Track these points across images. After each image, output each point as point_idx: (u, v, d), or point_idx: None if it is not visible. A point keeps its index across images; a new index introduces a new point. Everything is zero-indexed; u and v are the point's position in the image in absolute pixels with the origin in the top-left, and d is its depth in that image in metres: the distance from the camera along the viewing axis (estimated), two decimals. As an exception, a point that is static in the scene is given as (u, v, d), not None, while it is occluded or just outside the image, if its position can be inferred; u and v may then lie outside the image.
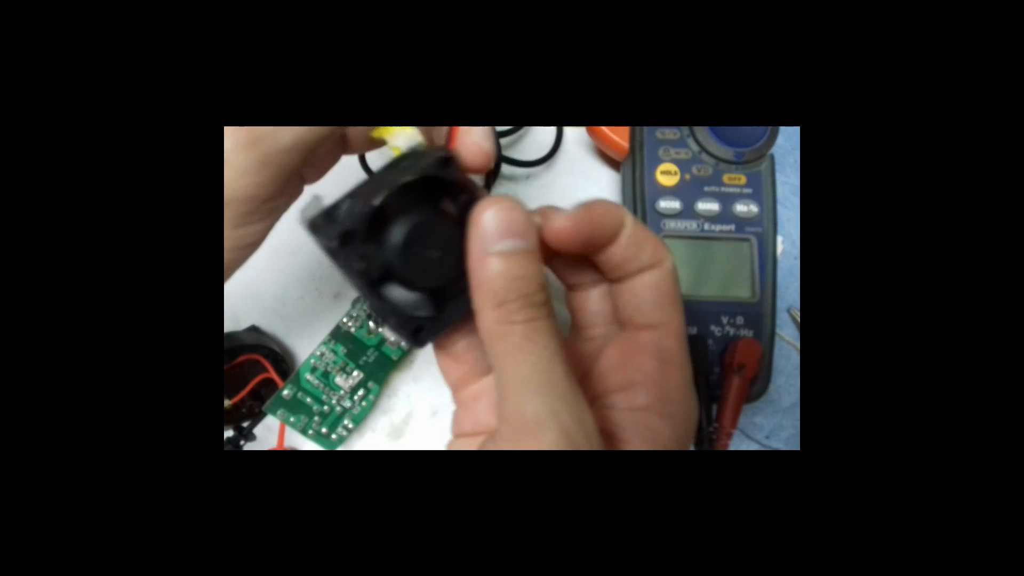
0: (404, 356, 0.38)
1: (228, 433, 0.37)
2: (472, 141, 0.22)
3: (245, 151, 0.20)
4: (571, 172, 0.42)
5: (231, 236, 0.22)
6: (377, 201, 0.20)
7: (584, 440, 0.18)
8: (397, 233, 0.21)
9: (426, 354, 0.39)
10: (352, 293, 0.38)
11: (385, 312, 0.21)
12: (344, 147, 0.27)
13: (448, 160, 0.21)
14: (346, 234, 0.20)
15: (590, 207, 0.21)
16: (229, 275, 0.24)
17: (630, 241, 0.22)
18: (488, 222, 0.19)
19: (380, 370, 0.38)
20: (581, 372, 0.24)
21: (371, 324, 0.37)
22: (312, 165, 0.26)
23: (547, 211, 0.21)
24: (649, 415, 0.21)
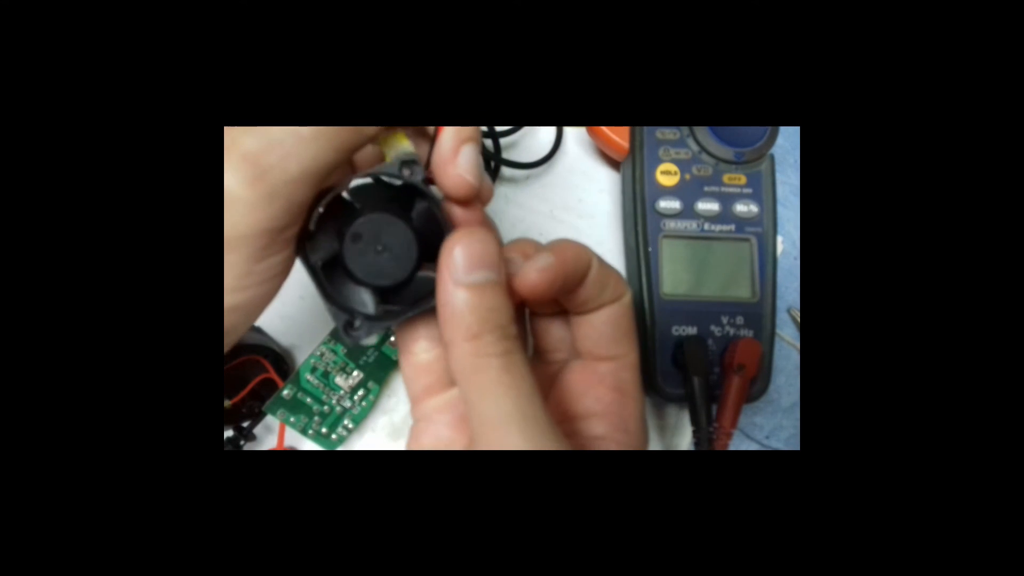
0: (404, 356, 0.38)
1: (228, 433, 0.37)
2: (456, 172, 0.22)
3: (251, 186, 0.19)
4: (571, 172, 0.42)
5: (255, 271, 0.21)
6: (329, 196, 0.22)
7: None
8: (350, 229, 0.22)
9: (426, 354, 0.39)
10: (352, 293, 0.38)
11: (326, 299, 0.23)
12: (352, 169, 0.26)
13: (409, 164, 0.22)
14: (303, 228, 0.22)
15: (561, 253, 0.21)
16: (263, 309, 0.24)
17: (594, 282, 0.22)
18: (458, 255, 0.19)
19: (380, 370, 0.38)
20: (542, 394, 0.23)
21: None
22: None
23: (518, 250, 0.22)
24: (606, 443, 0.22)
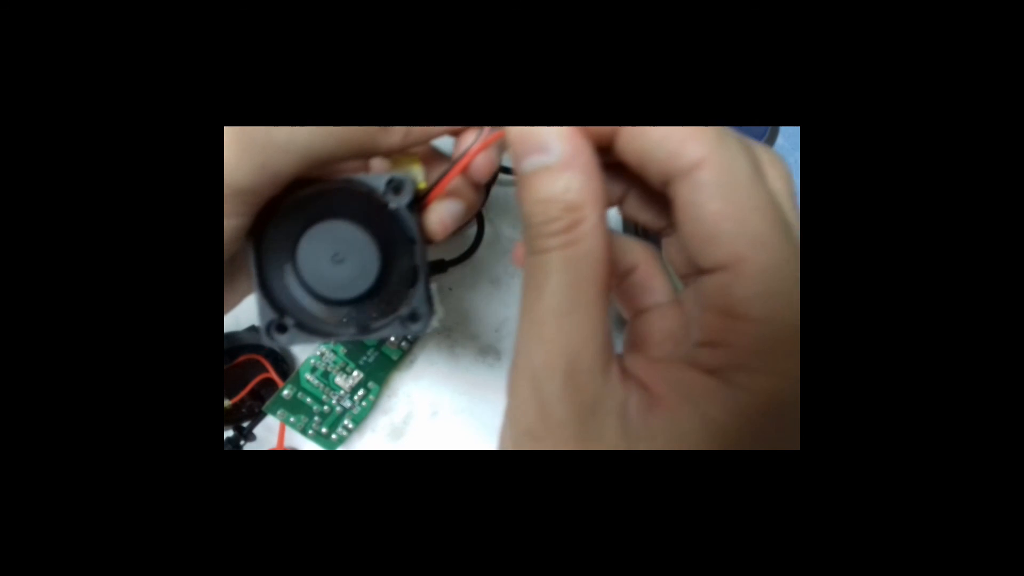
0: (404, 356, 0.38)
1: (228, 433, 0.37)
2: (437, 218, 0.21)
3: (244, 150, 0.19)
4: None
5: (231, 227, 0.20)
6: (296, 193, 0.21)
7: (557, 391, 0.17)
8: (315, 227, 0.21)
9: (426, 354, 0.39)
10: (352, 293, 0.38)
11: (261, 289, 0.21)
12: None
13: (397, 185, 0.21)
14: (262, 215, 0.21)
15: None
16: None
17: (628, 134, 0.18)
18: (514, 138, 0.17)
19: (380, 370, 0.38)
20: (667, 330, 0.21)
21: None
22: None
23: None
24: (706, 380, 0.17)
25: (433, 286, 0.23)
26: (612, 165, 0.19)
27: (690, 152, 0.16)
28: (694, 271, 0.19)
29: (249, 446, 0.37)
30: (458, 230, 0.23)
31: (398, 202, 0.21)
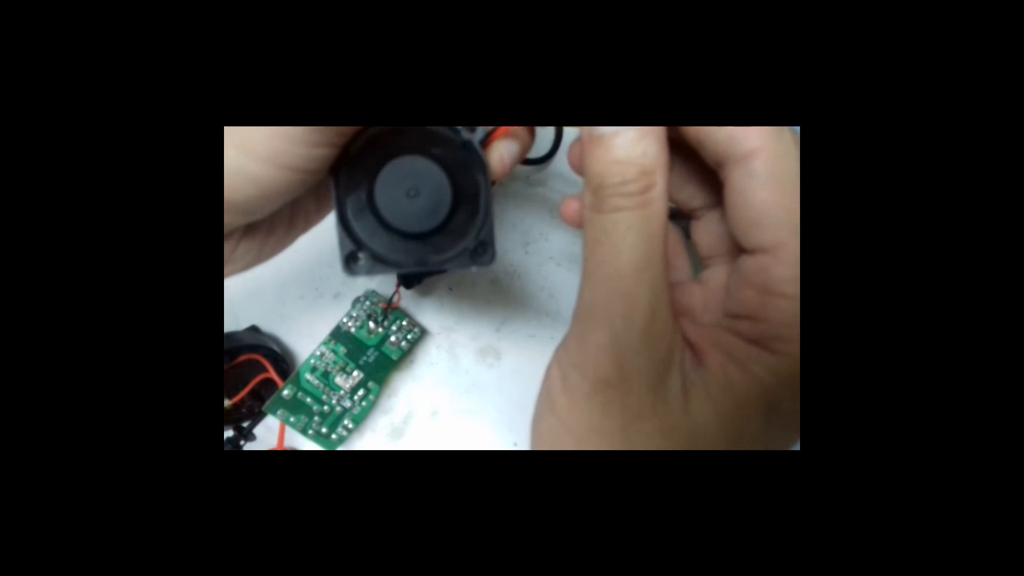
0: (404, 356, 0.38)
1: (228, 433, 0.37)
2: (498, 156, 0.23)
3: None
4: (571, 171, 0.42)
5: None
6: (375, 132, 0.21)
7: (636, 342, 0.18)
8: (389, 164, 0.22)
9: (426, 354, 0.39)
10: (352, 293, 0.38)
11: (341, 223, 0.22)
12: None
13: (473, 128, 0.22)
14: (342, 153, 0.22)
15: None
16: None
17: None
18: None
19: (380, 370, 0.38)
20: (703, 301, 0.22)
21: (371, 324, 0.37)
22: None
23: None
24: (747, 345, 0.19)
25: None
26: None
27: (749, 140, 0.18)
28: (726, 251, 0.21)
29: (249, 446, 0.37)
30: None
31: (474, 137, 0.22)
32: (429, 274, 0.25)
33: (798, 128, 0.19)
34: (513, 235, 0.41)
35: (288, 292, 0.40)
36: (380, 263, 0.23)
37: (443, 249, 0.23)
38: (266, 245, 0.26)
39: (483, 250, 0.23)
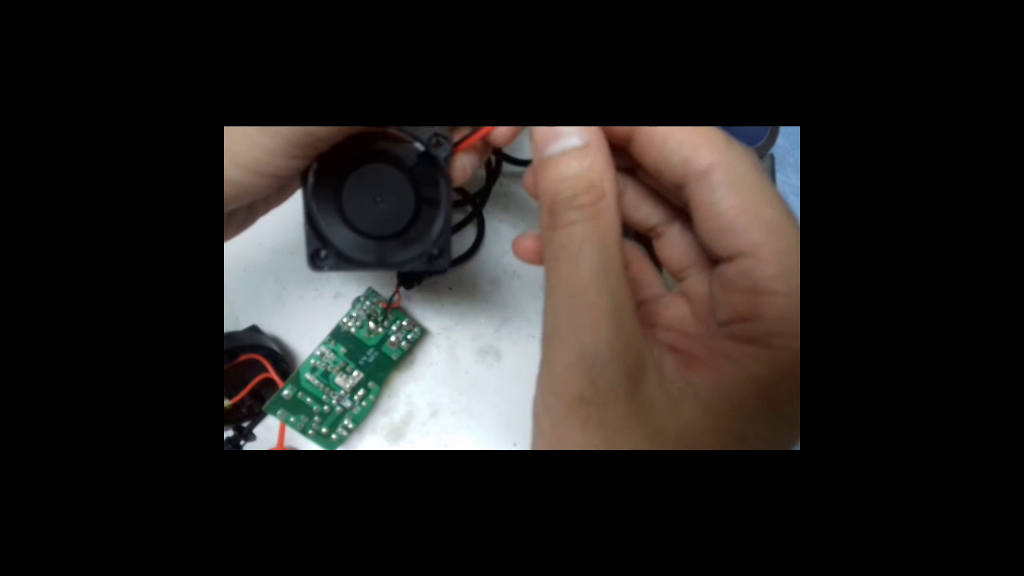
0: (404, 356, 0.38)
1: (228, 433, 0.37)
2: (461, 166, 0.25)
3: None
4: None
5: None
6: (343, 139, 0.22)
7: (604, 353, 0.18)
8: (359, 169, 0.24)
9: (426, 354, 0.39)
10: (352, 293, 0.38)
11: (309, 222, 0.24)
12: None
13: (441, 138, 0.24)
14: (317, 156, 0.23)
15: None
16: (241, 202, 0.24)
17: (648, 139, 0.19)
18: (538, 132, 0.19)
19: (380, 370, 0.38)
20: (680, 315, 0.23)
21: (371, 324, 0.37)
22: None
23: None
24: (743, 345, 0.19)
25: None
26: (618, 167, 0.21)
27: (703, 157, 0.19)
28: (695, 262, 0.22)
29: (249, 446, 0.37)
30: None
31: (439, 153, 0.24)
32: (427, 274, 0.26)
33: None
34: (512, 235, 0.41)
35: (288, 292, 0.40)
36: (344, 261, 0.25)
37: (403, 251, 0.25)
38: (226, 231, 0.28)
39: (439, 255, 0.25)
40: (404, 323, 0.38)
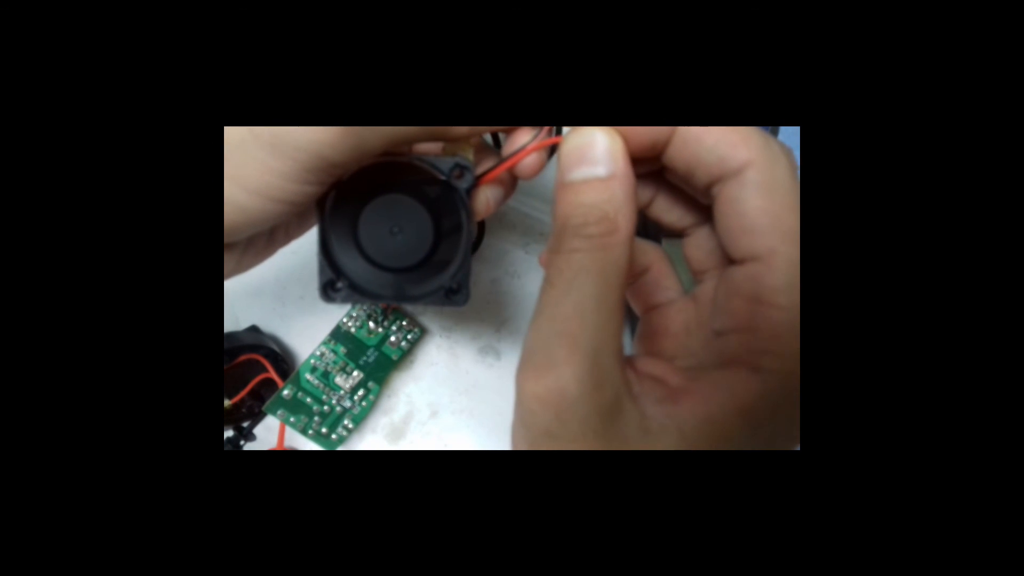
0: (404, 356, 0.38)
1: (228, 433, 0.37)
2: (484, 199, 0.24)
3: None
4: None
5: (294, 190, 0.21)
6: (357, 167, 0.22)
7: (574, 389, 0.17)
8: (376, 199, 0.23)
9: (426, 354, 0.39)
10: (352, 293, 0.38)
11: (323, 251, 0.23)
12: (410, 150, 0.26)
13: (463, 169, 0.23)
14: (333, 187, 0.22)
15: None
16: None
17: (682, 139, 0.19)
18: (565, 154, 0.19)
19: (380, 370, 0.38)
20: (687, 325, 0.23)
21: (371, 324, 0.37)
22: None
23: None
24: (735, 370, 0.19)
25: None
26: (644, 173, 0.21)
27: (740, 155, 0.18)
28: (716, 265, 0.22)
29: (249, 446, 0.37)
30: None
31: (460, 184, 0.23)
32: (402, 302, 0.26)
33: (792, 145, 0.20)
34: (513, 235, 0.41)
35: (288, 292, 0.40)
36: (357, 293, 0.24)
37: (420, 285, 0.24)
38: (244, 258, 0.27)
39: (458, 290, 0.24)
40: (404, 323, 0.38)
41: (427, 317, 0.39)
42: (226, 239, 0.23)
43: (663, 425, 0.18)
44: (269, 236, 0.28)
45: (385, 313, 0.37)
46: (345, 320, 0.37)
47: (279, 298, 0.40)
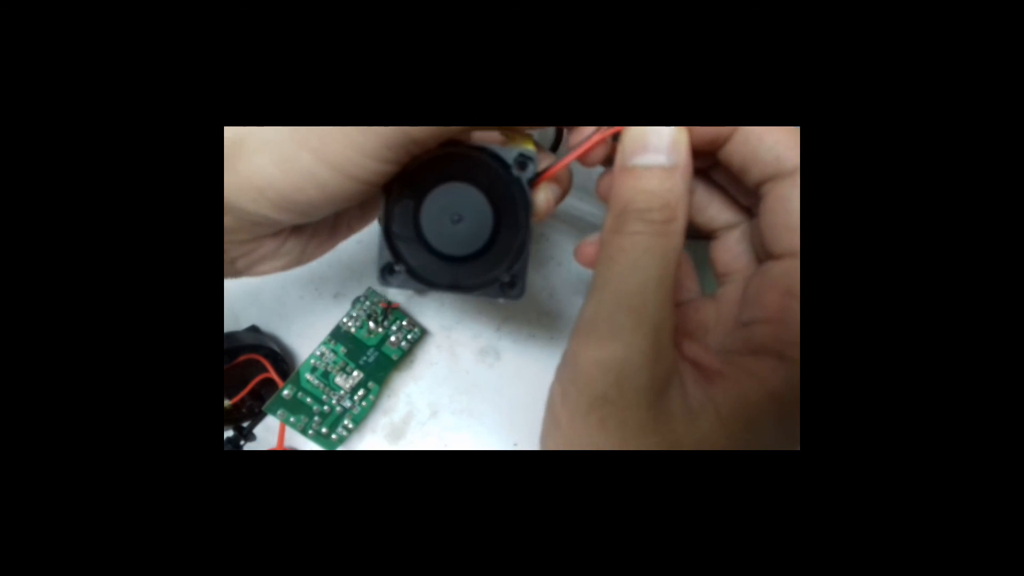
0: (404, 356, 0.38)
1: (228, 433, 0.37)
2: (544, 197, 0.24)
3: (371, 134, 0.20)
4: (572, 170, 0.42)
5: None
6: (426, 157, 0.22)
7: (637, 360, 0.18)
8: (438, 187, 0.23)
9: (426, 354, 0.39)
10: (352, 293, 0.38)
11: (386, 235, 0.23)
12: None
13: (525, 160, 0.23)
14: (399, 174, 0.22)
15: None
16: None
17: (743, 137, 0.20)
18: (629, 138, 0.20)
19: (380, 370, 0.38)
20: (714, 318, 0.23)
21: (371, 324, 0.37)
22: None
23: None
24: (763, 358, 0.20)
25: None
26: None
27: (796, 156, 0.19)
28: (742, 268, 0.23)
29: (249, 446, 0.37)
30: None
31: (524, 175, 0.23)
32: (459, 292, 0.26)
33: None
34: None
35: (288, 292, 0.40)
36: (414, 279, 0.24)
37: (476, 276, 0.24)
38: (309, 246, 0.27)
39: (513, 284, 0.24)
40: (404, 323, 0.38)
41: (427, 317, 0.40)
42: (301, 219, 0.23)
43: (702, 404, 0.19)
44: (332, 227, 0.28)
45: (385, 313, 0.37)
46: (345, 320, 0.37)
47: (279, 298, 0.40)
